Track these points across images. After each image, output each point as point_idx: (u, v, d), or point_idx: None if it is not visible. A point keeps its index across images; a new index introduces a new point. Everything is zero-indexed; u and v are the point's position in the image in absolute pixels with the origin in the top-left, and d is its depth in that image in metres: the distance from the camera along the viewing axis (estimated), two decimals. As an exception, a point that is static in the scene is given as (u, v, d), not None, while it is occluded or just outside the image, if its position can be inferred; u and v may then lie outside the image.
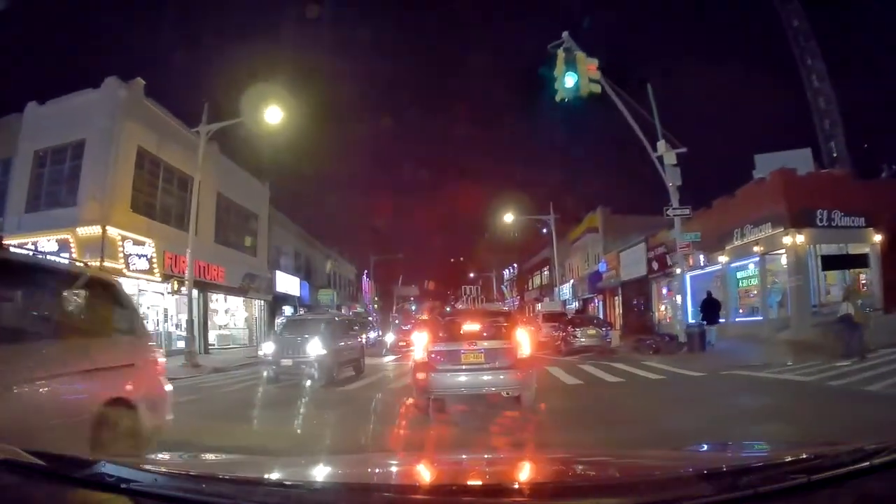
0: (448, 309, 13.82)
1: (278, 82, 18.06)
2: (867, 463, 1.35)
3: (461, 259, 75.70)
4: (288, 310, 27.36)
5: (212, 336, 22.84)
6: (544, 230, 42.08)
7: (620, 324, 28.31)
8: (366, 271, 51.59)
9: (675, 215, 15.03)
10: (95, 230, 16.58)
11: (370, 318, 36.58)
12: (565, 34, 11.66)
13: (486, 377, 6.80)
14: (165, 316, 20.26)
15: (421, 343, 7.16)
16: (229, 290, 23.88)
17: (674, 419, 6.40)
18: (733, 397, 8.02)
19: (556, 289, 38.81)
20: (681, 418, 6.45)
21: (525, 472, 1.93)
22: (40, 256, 5.27)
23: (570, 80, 11.56)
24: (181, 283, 17.00)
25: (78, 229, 16.66)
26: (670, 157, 14.94)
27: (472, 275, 71.11)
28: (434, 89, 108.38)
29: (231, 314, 25.53)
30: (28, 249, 16.95)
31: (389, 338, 23.96)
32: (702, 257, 18.02)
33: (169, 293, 17.82)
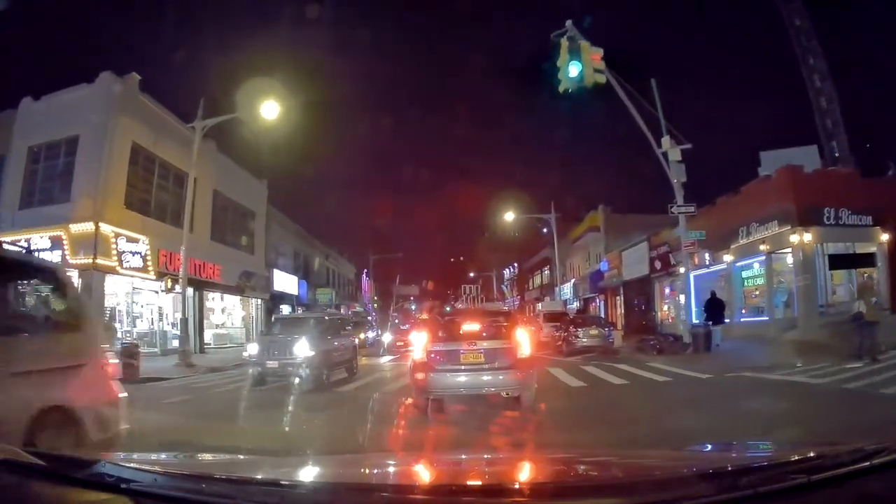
0: (448, 308, 13.54)
1: (276, 79, 17.87)
2: (867, 463, 1.35)
3: (461, 259, 75.62)
4: (286, 309, 27.06)
5: (208, 335, 22.54)
6: (545, 230, 41.81)
7: (622, 324, 27.98)
8: (365, 270, 51.30)
9: (679, 212, 14.70)
10: (88, 227, 16.32)
11: (369, 318, 36.29)
12: (569, 23, 11.27)
13: (485, 377, 6.74)
14: (160, 315, 19.96)
15: (420, 343, 7.09)
16: (226, 289, 23.59)
17: (684, 424, 6.10)
18: (745, 401, 7.68)
19: (557, 288, 38.51)
20: (691, 423, 6.15)
21: (525, 472, 1.92)
22: None
23: (573, 70, 11.18)
24: (175, 281, 16.68)
25: (71, 226, 16.41)
26: (675, 154, 14.62)
27: (472, 274, 70.90)
28: (434, 88, 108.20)
29: (228, 313, 25.24)
30: (21, 247, 17.11)
31: (387, 338, 23.53)
32: (707, 256, 17.65)
33: (162, 291, 17.47)
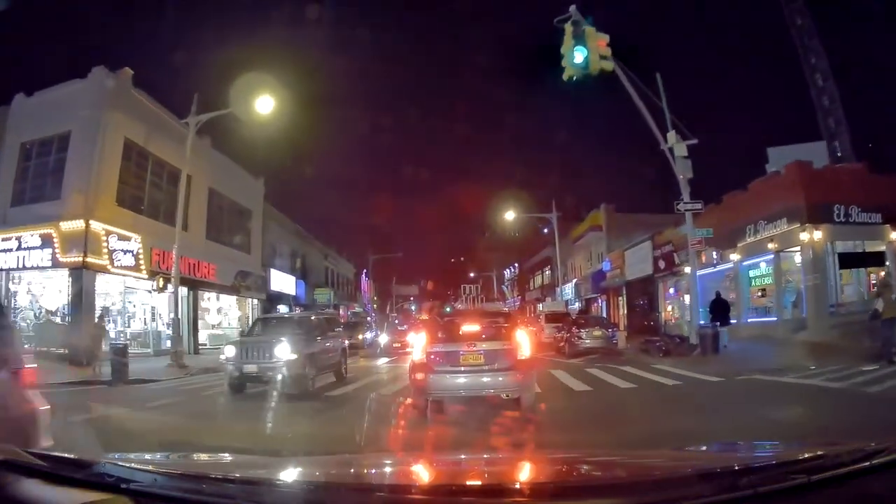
0: (448, 309, 13.16)
1: (273, 76, 17.48)
2: (867, 463, 1.35)
3: (461, 259, 75.12)
4: (283, 309, 26.63)
5: (203, 336, 22.12)
6: (545, 229, 41.42)
7: (625, 325, 27.55)
8: (364, 270, 50.87)
9: (686, 210, 14.27)
10: (79, 225, 15.95)
11: (368, 318, 35.90)
12: (572, 8, 10.73)
13: (485, 379, 6.68)
14: (153, 315, 19.55)
15: (419, 344, 7.02)
16: (221, 289, 23.16)
17: (700, 431, 5.65)
18: (761, 406, 7.22)
19: (558, 288, 38.09)
20: (708, 431, 5.70)
21: (525, 473, 1.92)
22: None
23: (578, 56, 10.66)
24: (167, 280, 16.26)
25: (61, 224, 16.05)
26: (681, 149, 14.19)
27: (472, 274, 70.46)
28: (434, 86, 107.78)
29: (224, 313, 24.81)
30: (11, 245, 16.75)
31: (383, 339, 23.01)
32: (715, 254, 17.19)
33: (154, 291, 17.05)
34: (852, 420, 6.16)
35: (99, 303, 17.38)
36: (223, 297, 23.97)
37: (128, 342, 17.97)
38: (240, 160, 25.88)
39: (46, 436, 3.14)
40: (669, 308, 25.16)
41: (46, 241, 16.13)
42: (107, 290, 17.84)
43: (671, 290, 24.86)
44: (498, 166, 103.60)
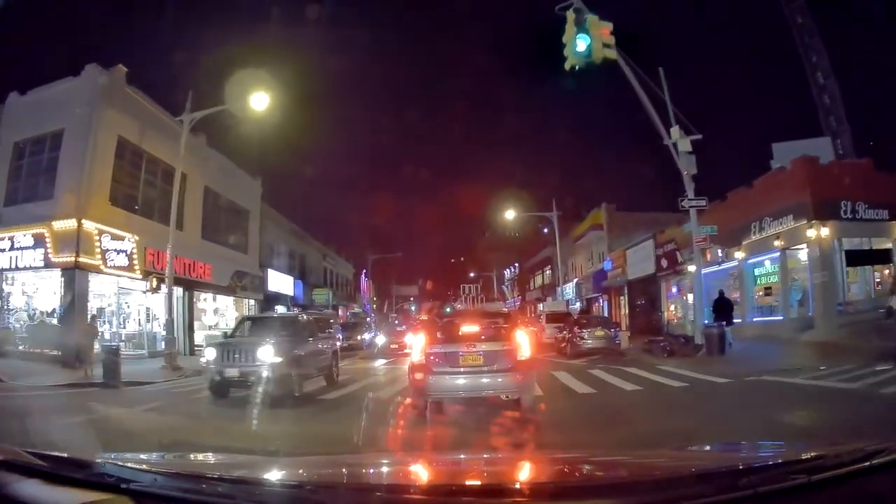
0: (448, 309, 12.89)
1: (270, 75, 17.16)
2: (867, 463, 1.35)
3: (461, 259, 74.84)
4: (281, 309, 26.31)
5: (199, 337, 21.76)
6: (545, 229, 41.17)
7: (626, 324, 27.24)
8: (364, 271, 50.54)
9: (690, 206, 13.94)
10: (71, 224, 15.67)
11: (368, 319, 35.60)
12: None
13: (484, 380, 6.66)
14: (148, 316, 19.25)
15: (419, 344, 6.97)
16: (218, 289, 22.83)
17: (712, 438, 5.31)
18: (774, 409, 6.89)
19: (559, 288, 37.82)
20: (720, 438, 5.34)
21: (524, 473, 1.92)
22: None
23: (581, 44, 10.31)
24: (160, 281, 15.94)
25: (53, 223, 15.79)
26: (685, 144, 13.86)
27: (472, 274, 70.17)
28: (434, 84, 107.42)
29: (221, 314, 24.49)
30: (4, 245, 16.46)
31: (380, 340, 22.57)
32: (720, 251, 16.85)
33: (148, 291, 16.74)
34: (869, 422, 5.83)
35: (94, 304, 17.17)
36: (220, 297, 23.65)
37: (120, 344, 17.86)
38: (237, 159, 25.62)
39: None
40: (672, 307, 24.83)
41: (39, 241, 15.89)
42: (101, 290, 17.59)
43: (674, 290, 24.54)
44: (498, 166, 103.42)
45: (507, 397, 6.86)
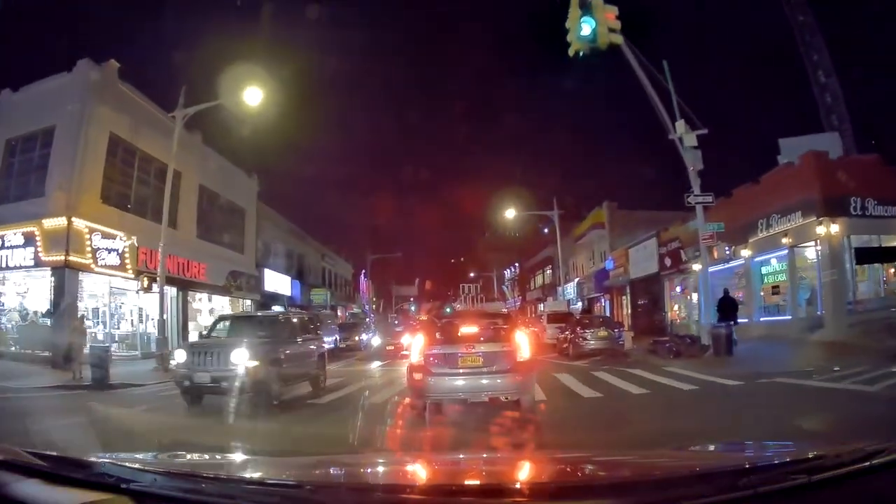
0: (448, 310, 12.61)
1: (267, 73, 16.82)
2: (867, 463, 1.35)
3: (461, 259, 74.46)
4: (278, 310, 25.94)
5: (193, 337, 21.38)
6: (545, 229, 40.80)
7: (629, 324, 26.84)
8: (363, 271, 50.15)
9: (696, 203, 13.57)
10: (61, 222, 15.34)
11: (367, 320, 35.23)
12: None
13: (484, 381, 6.63)
14: (141, 316, 18.87)
15: (418, 345, 6.93)
16: (213, 289, 22.43)
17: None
18: (792, 414, 6.45)
19: (560, 288, 37.46)
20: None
21: (524, 473, 1.92)
22: None
23: (586, 28, 9.87)
24: (152, 280, 15.55)
25: (44, 221, 15.47)
26: (690, 139, 13.50)
27: (472, 274, 69.82)
28: (433, 83, 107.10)
29: (217, 315, 24.10)
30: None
31: (376, 341, 22.03)
32: (727, 249, 16.44)
33: (139, 290, 16.36)
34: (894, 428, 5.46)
35: (89, 304, 16.90)
36: (215, 297, 23.24)
37: (113, 345, 17.51)
38: (234, 158, 25.28)
39: None
40: (675, 307, 24.44)
41: (29, 240, 15.59)
42: (94, 290, 17.26)
43: (677, 289, 24.15)
44: (498, 165, 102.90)
45: (507, 399, 6.82)
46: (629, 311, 29.44)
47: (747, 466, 1.54)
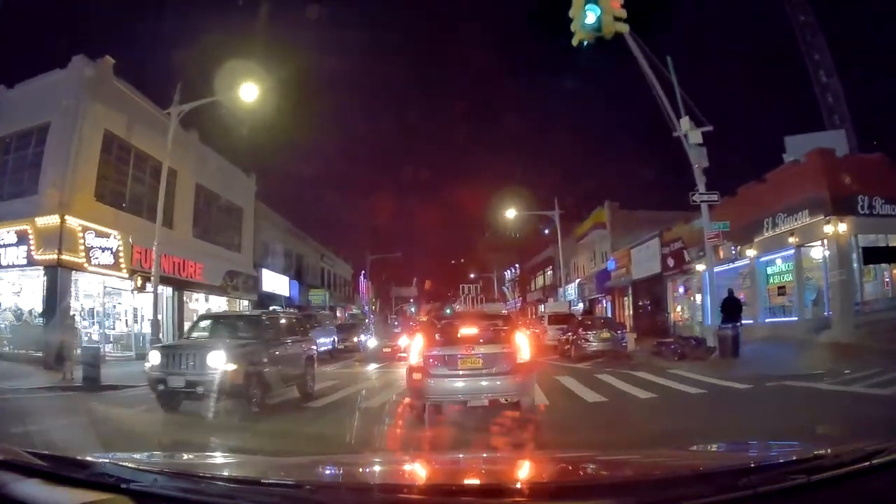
0: (448, 311, 12.46)
1: (266, 72, 16.58)
2: (867, 463, 1.35)
3: (461, 260, 74.07)
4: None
5: (191, 338, 21.14)
6: (546, 230, 40.51)
7: (631, 325, 26.56)
8: (363, 272, 49.86)
9: (702, 201, 13.27)
10: (54, 220, 15.05)
11: (366, 321, 34.96)
12: None
13: (483, 382, 6.61)
14: (135, 316, 18.59)
15: (417, 347, 6.89)
16: (210, 289, 22.13)
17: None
18: (806, 419, 6.16)
19: (561, 289, 37.13)
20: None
21: (524, 472, 1.92)
22: None
23: (591, 16, 9.56)
24: (146, 279, 15.27)
25: (37, 219, 15.22)
26: (695, 136, 13.21)
27: (472, 275, 69.52)
28: (434, 82, 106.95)
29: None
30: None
31: (372, 343, 21.59)
32: (733, 248, 16.12)
33: (133, 290, 16.08)
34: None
35: (84, 304, 16.64)
36: (212, 298, 22.94)
37: (108, 345, 17.25)
38: (232, 157, 24.99)
39: None
40: (678, 308, 24.13)
41: (22, 238, 15.35)
42: (89, 290, 17.01)
43: (680, 290, 23.85)
44: (498, 165, 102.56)
45: (507, 400, 6.78)
46: (631, 312, 29.15)
47: (747, 466, 1.54)
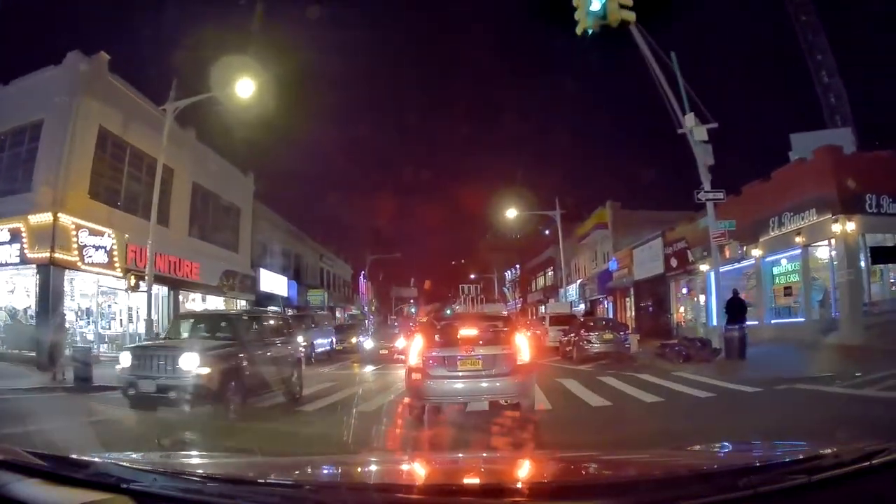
0: (448, 311, 12.33)
1: (265, 71, 16.33)
2: (867, 463, 1.35)
3: (462, 260, 73.74)
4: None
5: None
6: (546, 231, 40.22)
7: (633, 327, 26.25)
8: (362, 272, 49.59)
9: (707, 199, 12.99)
10: (47, 218, 14.80)
11: (366, 321, 34.72)
12: None
13: (483, 384, 6.58)
14: (130, 316, 18.33)
15: (416, 348, 6.85)
16: (206, 289, 21.85)
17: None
18: (821, 425, 5.81)
19: (562, 290, 36.82)
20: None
21: (524, 472, 1.92)
22: None
23: (595, 3, 9.31)
24: (140, 278, 15.01)
25: (30, 217, 14.99)
26: (700, 133, 12.94)
27: (472, 276, 69.19)
28: (434, 83, 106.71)
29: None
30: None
31: (368, 344, 21.13)
32: (739, 248, 15.82)
33: (127, 289, 15.82)
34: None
35: (80, 303, 16.41)
36: (209, 298, 22.67)
37: (102, 345, 16.99)
38: (230, 156, 24.73)
39: None
40: (682, 309, 23.82)
41: (15, 236, 15.12)
42: (84, 289, 16.77)
43: (683, 290, 23.55)
44: (499, 165, 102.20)
45: (507, 402, 6.79)
46: (633, 313, 28.85)
47: (747, 466, 1.54)
